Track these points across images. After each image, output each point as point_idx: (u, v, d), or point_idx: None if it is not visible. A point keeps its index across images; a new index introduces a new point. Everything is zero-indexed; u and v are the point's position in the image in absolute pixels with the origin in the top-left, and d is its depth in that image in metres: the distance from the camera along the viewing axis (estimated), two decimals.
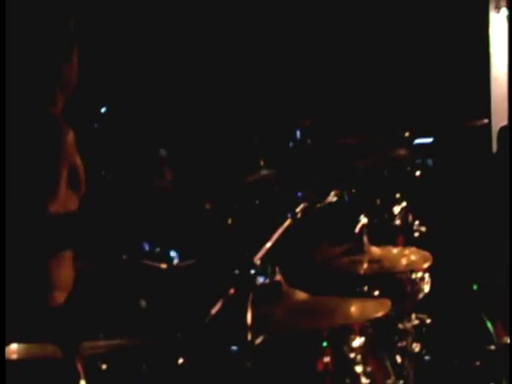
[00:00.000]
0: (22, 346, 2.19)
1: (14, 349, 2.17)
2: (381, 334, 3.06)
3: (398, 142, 3.44)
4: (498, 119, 5.52)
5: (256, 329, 2.34)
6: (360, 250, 3.12)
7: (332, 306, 2.57)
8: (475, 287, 3.70)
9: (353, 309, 2.57)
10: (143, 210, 2.74)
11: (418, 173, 3.70)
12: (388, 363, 2.82)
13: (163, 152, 3.49)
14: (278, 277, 2.59)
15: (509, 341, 3.14)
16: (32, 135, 2.61)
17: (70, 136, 2.63)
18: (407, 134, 3.49)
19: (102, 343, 2.23)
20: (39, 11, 2.69)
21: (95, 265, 2.80)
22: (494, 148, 5.51)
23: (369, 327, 2.74)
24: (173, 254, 3.42)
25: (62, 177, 2.60)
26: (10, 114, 2.57)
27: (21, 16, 2.66)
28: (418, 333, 3.26)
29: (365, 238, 3.13)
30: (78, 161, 2.68)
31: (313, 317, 2.50)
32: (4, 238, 2.44)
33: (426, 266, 3.17)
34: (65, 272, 2.65)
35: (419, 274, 3.27)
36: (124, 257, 2.85)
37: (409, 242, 3.44)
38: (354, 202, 3.46)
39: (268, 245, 2.74)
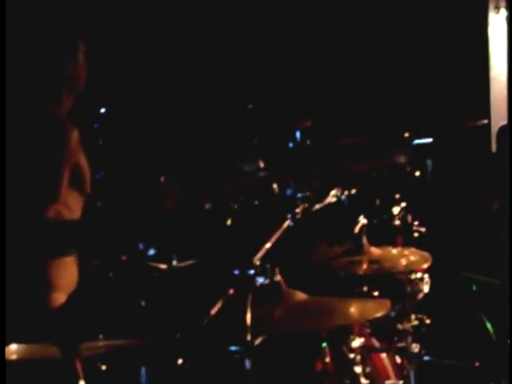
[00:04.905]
0: (22, 346, 2.19)
1: (14, 349, 2.17)
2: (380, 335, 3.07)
3: (398, 148, 3.44)
4: (498, 119, 5.52)
5: (255, 329, 2.34)
6: (359, 250, 3.12)
7: (331, 306, 2.56)
8: (474, 288, 3.70)
9: (352, 309, 2.56)
10: (142, 211, 2.74)
11: (417, 173, 3.70)
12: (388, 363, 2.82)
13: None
14: (278, 277, 2.59)
15: (509, 341, 3.14)
16: (34, 135, 2.61)
17: (74, 136, 2.63)
18: (407, 135, 3.48)
19: (101, 343, 2.23)
20: (41, 12, 2.70)
21: (95, 265, 2.80)
22: (494, 148, 5.51)
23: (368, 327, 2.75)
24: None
25: (63, 176, 2.59)
26: (13, 114, 2.57)
27: (22, 16, 2.66)
28: (418, 333, 3.26)
29: (364, 239, 3.13)
30: (83, 161, 2.68)
31: (312, 317, 2.49)
32: (4, 237, 2.44)
33: (425, 266, 3.17)
34: (66, 273, 2.65)
35: (418, 275, 3.27)
36: (124, 258, 2.85)
37: (408, 242, 3.44)
38: (354, 202, 3.46)
39: (267, 245, 2.74)
